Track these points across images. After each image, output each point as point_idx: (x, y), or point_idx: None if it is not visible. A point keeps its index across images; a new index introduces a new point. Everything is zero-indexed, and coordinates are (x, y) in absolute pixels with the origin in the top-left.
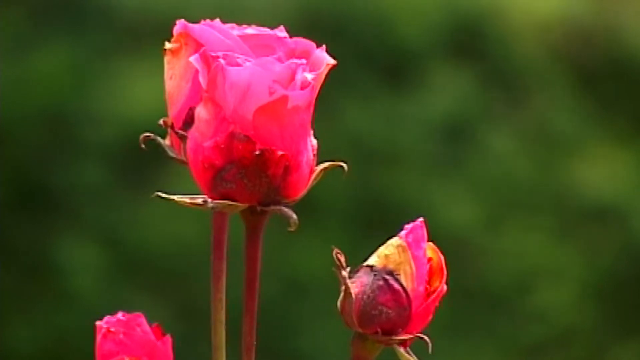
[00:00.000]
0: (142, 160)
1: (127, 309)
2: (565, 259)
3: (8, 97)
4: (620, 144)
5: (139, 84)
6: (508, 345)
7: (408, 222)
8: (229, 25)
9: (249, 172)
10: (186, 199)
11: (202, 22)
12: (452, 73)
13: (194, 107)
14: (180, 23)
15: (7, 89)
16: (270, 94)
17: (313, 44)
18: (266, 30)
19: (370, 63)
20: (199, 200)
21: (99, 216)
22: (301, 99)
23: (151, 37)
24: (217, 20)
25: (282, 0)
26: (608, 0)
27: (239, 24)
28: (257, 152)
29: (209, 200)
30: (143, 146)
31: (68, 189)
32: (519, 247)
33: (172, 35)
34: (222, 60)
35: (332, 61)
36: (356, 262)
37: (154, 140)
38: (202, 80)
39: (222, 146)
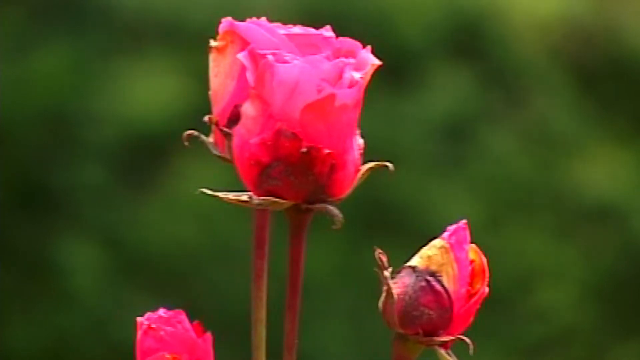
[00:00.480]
0: (142, 160)
1: (127, 309)
2: (565, 259)
3: (8, 97)
4: (620, 144)
5: (139, 84)
6: (508, 345)
7: (407, 222)
8: (274, 24)
9: (295, 170)
10: (231, 195)
11: (249, 20)
12: (452, 73)
13: (239, 105)
14: (226, 21)
15: (7, 89)
16: (318, 91)
17: (359, 44)
18: (312, 30)
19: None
20: (244, 197)
21: (99, 216)
22: (349, 97)
23: (151, 37)
24: (264, 18)
25: (281, 0)
26: (608, 0)
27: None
28: (304, 150)
29: (254, 197)
30: (186, 143)
31: (68, 189)
32: (519, 247)
33: (169, 36)
34: (270, 58)
35: (378, 62)
36: (356, 261)
37: (197, 137)
38: (250, 77)
39: (269, 143)
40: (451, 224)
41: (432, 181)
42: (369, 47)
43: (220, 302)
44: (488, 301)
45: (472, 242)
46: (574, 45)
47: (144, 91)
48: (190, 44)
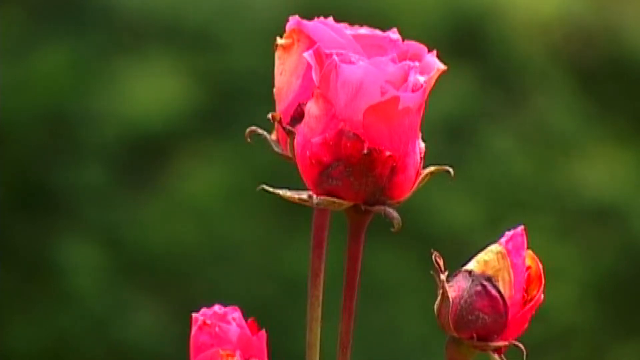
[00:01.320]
0: (142, 160)
1: (127, 309)
2: (565, 259)
3: (8, 98)
4: (620, 144)
5: (139, 84)
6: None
7: (407, 222)
8: (341, 24)
9: (356, 171)
10: (293, 194)
11: (316, 19)
12: (452, 73)
13: (303, 104)
14: (293, 19)
15: (7, 89)
16: (382, 94)
17: (425, 48)
18: (378, 32)
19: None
20: (304, 196)
21: (99, 216)
22: (412, 101)
23: (151, 37)
24: (331, 18)
25: (281, 0)
26: (608, 0)
27: (238, 23)
28: (365, 151)
29: (314, 196)
30: (249, 140)
31: (68, 189)
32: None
33: (169, 36)
34: (336, 58)
35: (443, 66)
36: None
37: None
38: (315, 76)
39: (331, 143)
40: (451, 224)
41: (432, 181)
42: (434, 51)
43: (220, 302)
44: None
45: (461, 241)
46: (574, 45)
47: (144, 91)
48: (190, 44)
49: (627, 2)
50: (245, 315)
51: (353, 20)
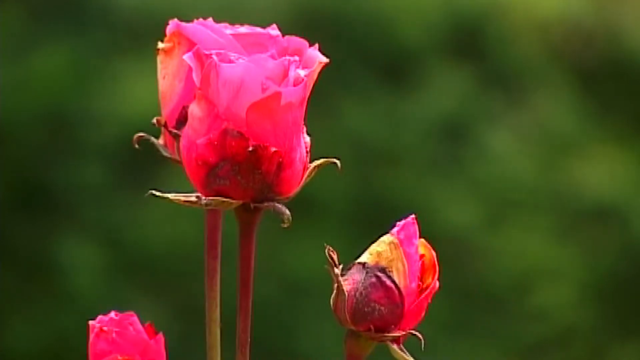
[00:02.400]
0: (142, 160)
1: (127, 309)
2: (565, 259)
3: (8, 97)
4: (620, 144)
5: (139, 84)
6: (508, 345)
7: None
8: (222, 24)
9: (243, 169)
10: (180, 196)
11: (195, 21)
12: (452, 73)
13: (187, 106)
14: (172, 22)
15: (7, 89)
16: (263, 90)
17: (305, 42)
18: (259, 29)
19: (369, 63)
20: (193, 198)
21: (99, 216)
22: (294, 95)
23: (151, 37)
24: (210, 19)
25: (281, 0)
26: (608, 0)
27: (239, 23)
28: (251, 149)
29: (203, 197)
30: (137, 146)
31: (68, 189)
32: (519, 247)
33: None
34: (215, 58)
35: (325, 59)
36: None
37: (147, 139)
38: (196, 77)
39: (216, 143)
40: (450, 224)
41: (432, 181)
42: (316, 45)
43: (221, 300)
44: (488, 301)
45: (461, 241)
46: (574, 45)
47: (143, 91)
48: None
49: (627, 2)
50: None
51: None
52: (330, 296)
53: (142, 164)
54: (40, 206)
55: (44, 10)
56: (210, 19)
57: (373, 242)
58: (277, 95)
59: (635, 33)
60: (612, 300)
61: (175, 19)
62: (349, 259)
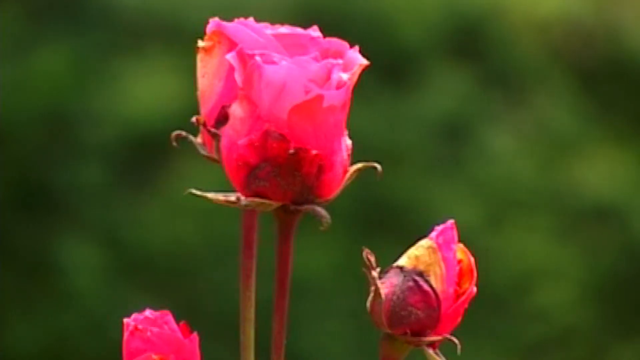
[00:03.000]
0: (142, 160)
1: (127, 309)
2: (565, 259)
3: (8, 97)
4: (620, 144)
5: (139, 84)
6: (508, 345)
7: (407, 222)
8: (262, 24)
9: (283, 171)
10: (220, 196)
11: (236, 20)
12: (452, 73)
13: (227, 106)
14: (213, 21)
15: (7, 89)
16: (306, 93)
17: (346, 44)
18: (299, 30)
19: (370, 63)
20: (232, 198)
21: (99, 216)
22: (336, 98)
23: (151, 37)
24: (251, 19)
25: (281, 0)
26: (608, 0)
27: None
28: (291, 151)
29: (243, 198)
30: (175, 144)
31: (68, 189)
32: (519, 247)
33: (169, 36)
34: (258, 58)
35: (365, 62)
36: (356, 261)
37: (185, 137)
38: (238, 78)
39: (257, 144)
40: (440, 224)
41: (432, 181)
42: (356, 47)
43: (220, 302)
44: (488, 301)
45: (461, 242)
46: (574, 45)
47: (144, 91)
48: (190, 44)
49: (627, 2)
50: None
51: (353, 20)
52: (332, 296)
53: (142, 164)
54: (40, 206)
55: (43, 10)
56: (251, 19)
57: (373, 243)
58: (320, 97)
59: (635, 33)
60: (612, 300)
61: (216, 18)
62: (349, 257)
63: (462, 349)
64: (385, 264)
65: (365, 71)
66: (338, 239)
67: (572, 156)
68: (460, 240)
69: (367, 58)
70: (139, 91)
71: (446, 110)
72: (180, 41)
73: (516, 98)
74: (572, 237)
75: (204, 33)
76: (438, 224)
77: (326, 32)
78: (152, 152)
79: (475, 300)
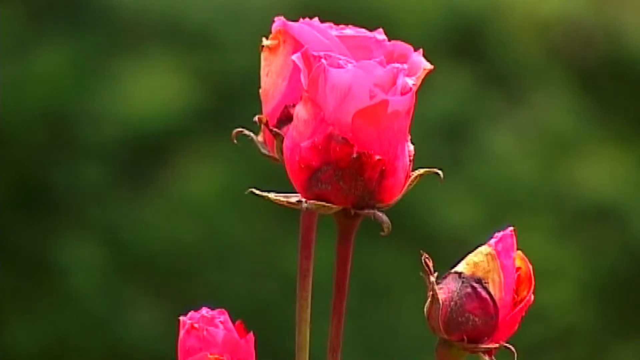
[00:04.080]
0: (143, 160)
1: (127, 309)
2: (565, 259)
3: (8, 97)
4: (620, 144)
5: (139, 84)
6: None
7: (407, 222)
8: (326, 24)
9: (345, 175)
10: (281, 196)
11: (301, 20)
12: (452, 72)
13: (290, 105)
14: (279, 20)
15: (7, 89)
16: (371, 97)
17: (410, 48)
18: (364, 32)
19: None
20: (294, 200)
21: (99, 216)
22: (401, 104)
23: (151, 37)
24: (316, 19)
25: (280, 0)
26: (608, 0)
27: (238, 23)
28: (355, 155)
29: (304, 200)
30: (235, 141)
31: (68, 189)
32: (519, 247)
33: (169, 35)
34: (324, 61)
35: (430, 66)
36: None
37: (247, 136)
38: (304, 80)
39: (320, 147)
40: (450, 224)
41: (431, 181)
42: (420, 50)
43: (220, 302)
44: None
45: (461, 241)
46: (574, 45)
47: (143, 91)
48: (189, 44)
49: (627, 2)
50: (245, 315)
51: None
52: (330, 296)
53: (143, 164)
54: (40, 206)
55: (43, 10)
56: (316, 19)
57: (372, 243)
58: (385, 103)
59: (635, 33)
60: (612, 300)
61: (282, 17)
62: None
63: (519, 357)
64: (385, 264)
65: None
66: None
67: (572, 156)
68: (462, 240)
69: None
70: (139, 91)
71: (446, 110)
72: (180, 41)
73: (516, 98)
74: (572, 237)
75: (204, 33)
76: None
77: None
78: (152, 152)
79: None
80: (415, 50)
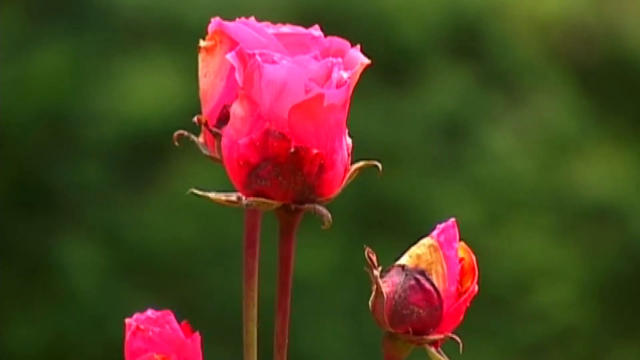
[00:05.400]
0: (142, 160)
1: (127, 309)
2: (565, 259)
3: (8, 97)
4: (620, 144)
5: (139, 83)
6: (508, 345)
7: (407, 222)
8: (263, 23)
9: (284, 170)
10: (221, 196)
11: (237, 20)
12: (452, 72)
13: (228, 105)
14: (215, 21)
15: (7, 89)
16: (306, 92)
17: (347, 43)
18: (301, 29)
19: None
20: (234, 198)
21: (99, 216)
22: (337, 97)
23: (151, 36)
24: (252, 18)
25: (280, 0)
26: (608, 0)
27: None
28: (292, 150)
29: (244, 197)
30: (177, 143)
31: (68, 189)
32: (519, 247)
33: (169, 35)
34: (258, 58)
35: (367, 60)
36: (356, 261)
37: (187, 137)
38: (239, 77)
39: (258, 143)
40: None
41: (431, 181)
42: (358, 46)
43: (220, 302)
44: (488, 301)
45: (462, 240)
46: (574, 45)
47: (143, 90)
48: (189, 43)
49: (627, 2)
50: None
51: (353, 20)
52: (332, 296)
53: (142, 164)
54: (41, 206)
55: (43, 10)
56: (252, 18)
57: (373, 242)
58: (320, 97)
59: (635, 33)
60: (612, 300)
61: (217, 18)
62: (348, 257)
63: (463, 347)
64: (385, 264)
65: (364, 70)
66: (338, 239)
67: (572, 156)
68: (461, 240)
69: (367, 57)
70: (139, 91)
71: (446, 109)
72: (180, 41)
73: (516, 98)
74: (572, 237)
75: (205, 32)
76: (440, 223)
77: (326, 31)
78: (152, 151)
79: (475, 300)
80: (352, 46)
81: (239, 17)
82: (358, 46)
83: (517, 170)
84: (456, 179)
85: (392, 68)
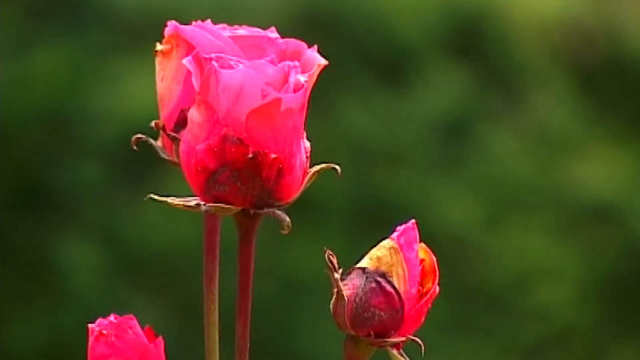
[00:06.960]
0: (142, 160)
1: (127, 309)
2: (565, 258)
3: (8, 97)
4: (620, 144)
5: (139, 83)
6: (508, 345)
7: (401, 223)
8: (220, 26)
9: (242, 175)
10: (178, 201)
11: (194, 23)
12: (451, 72)
13: (186, 109)
14: (171, 24)
15: (7, 89)
16: (263, 96)
17: (304, 45)
18: (257, 31)
19: (368, 62)
20: (192, 203)
21: (99, 216)
22: (294, 101)
23: (151, 36)
24: (209, 21)
25: (280, 0)
26: (608, 0)
27: (238, 23)
28: (250, 155)
29: (202, 203)
30: (135, 147)
31: (68, 189)
32: (519, 246)
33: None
34: (214, 63)
35: (324, 61)
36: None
37: (146, 141)
38: (195, 82)
39: (215, 149)
40: (450, 224)
41: (431, 181)
42: (314, 47)
43: (220, 302)
44: (487, 300)
45: (460, 241)
46: (574, 45)
47: (143, 90)
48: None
49: (627, 2)
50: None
51: (353, 20)
52: (330, 296)
53: (142, 164)
54: (40, 205)
55: (43, 10)
56: (208, 21)
57: (372, 243)
58: (277, 101)
59: (635, 33)
60: (612, 299)
61: (174, 21)
62: (348, 259)
63: (426, 350)
64: None
65: (364, 70)
66: (337, 239)
67: (572, 156)
68: (462, 240)
69: (367, 57)
70: (139, 91)
71: (445, 109)
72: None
73: (516, 98)
74: (572, 236)
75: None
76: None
77: (325, 31)
78: (152, 152)
79: (475, 300)
80: (309, 47)
81: (239, 18)
82: (315, 47)
83: (516, 170)
84: (456, 179)
85: (391, 68)
